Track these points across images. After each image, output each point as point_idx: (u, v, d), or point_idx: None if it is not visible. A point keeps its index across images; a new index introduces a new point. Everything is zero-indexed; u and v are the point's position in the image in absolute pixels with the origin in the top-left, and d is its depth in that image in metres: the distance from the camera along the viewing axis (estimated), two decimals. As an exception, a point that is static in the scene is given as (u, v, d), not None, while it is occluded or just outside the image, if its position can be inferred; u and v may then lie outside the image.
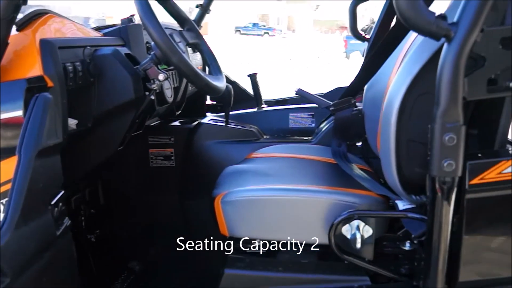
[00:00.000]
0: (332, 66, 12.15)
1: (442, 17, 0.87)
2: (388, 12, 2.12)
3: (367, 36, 2.52)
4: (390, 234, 1.18)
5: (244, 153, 1.71)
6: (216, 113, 2.34)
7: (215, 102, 2.38)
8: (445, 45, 0.88)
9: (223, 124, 1.81)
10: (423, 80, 1.03)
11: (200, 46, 1.51)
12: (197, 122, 1.88)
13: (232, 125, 1.84)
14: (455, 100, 0.88)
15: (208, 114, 2.37)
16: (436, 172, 0.90)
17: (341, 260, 1.18)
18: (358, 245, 1.08)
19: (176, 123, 1.96)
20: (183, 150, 1.84)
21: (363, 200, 1.16)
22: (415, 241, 1.08)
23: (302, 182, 1.30)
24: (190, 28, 1.51)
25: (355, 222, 1.09)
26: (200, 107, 2.30)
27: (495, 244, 0.98)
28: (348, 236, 1.10)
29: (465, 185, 0.93)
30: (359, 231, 1.09)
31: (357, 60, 10.50)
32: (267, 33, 34.14)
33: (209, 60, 1.50)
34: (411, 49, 1.31)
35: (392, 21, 2.12)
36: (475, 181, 0.93)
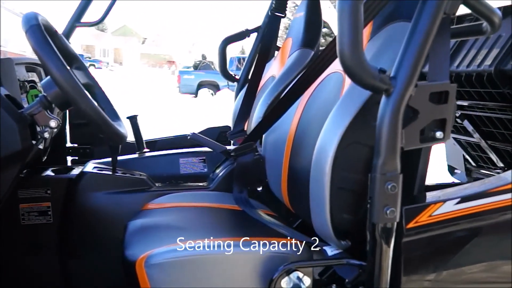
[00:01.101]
0: (171, 102, 12.15)
1: (383, 71, 0.92)
2: (260, 54, 2.20)
3: (237, 77, 2.59)
4: (318, 279, 1.17)
5: (136, 204, 1.55)
6: (79, 157, 2.13)
7: (76, 145, 2.16)
8: (384, 99, 0.93)
9: (110, 173, 1.63)
10: (353, 130, 1.07)
11: (92, 88, 1.35)
12: (79, 171, 1.66)
13: (119, 173, 1.67)
14: (393, 150, 0.93)
15: (68, 157, 2.14)
16: (377, 219, 0.93)
17: None
18: (304, 297, 1.05)
19: (49, 172, 1.71)
20: (62, 204, 1.61)
21: (292, 249, 1.14)
22: (348, 286, 1.10)
23: (221, 234, 1.23)
24: (79, 66, 1.34)
25: (295, 274, 1.06)
26: (60, 151, 2.06)
27: (431, 280, 1.04)
28: None
29: (402, 229, 0.98)
30: (300, 283, 1.06)
31: (204, 98, 10.69)
32: (93, 65, 32.80)
33: (104, 104, 1.35)
34: (318, 97, 1.37)
35: (265, 62, 2.21)
36: (411, 225, 0.99)
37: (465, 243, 1.04)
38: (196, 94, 15.77)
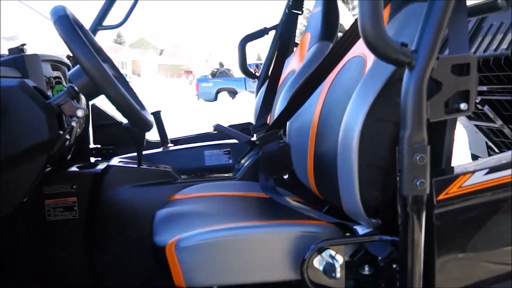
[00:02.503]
0: (191, 106, 12.21)
1: (405, 45, 0.93)
2: (279, 51, 2.23)
3: (257, 74, 2.61)
4: (350, 260, 1.18)
5: (163, 196, 1.57)
6: (102, 157, 2.16)
7: (99, 146, 2.20)
8: (407, 72, 0.94)
9: (136, 166, 1.66)
10: (377, 107, 1.08)
11: (118, 79, 1.38)
12: (105, 165, 1.70)
13: (145, 166, 1.70)
14: (420, 122, 0.93)
15: (92, 159, 2.17)
16: (407, 191, 0.94)
17: None
18: (337, 275, 1.05)
19: (74, 168, 1.75)
20: (88, 199, 1.64)
21: (323, 229, 1.15)
22: (381, 264, 1.10)
23: (249, 218, 1.25)
24: (105, 59, 1.38)
25: (327, 252, 1.06)
26: (83, 152, 2.10)
27: (465, 251, 1.04)
28: (321, 268, 1.06)
29: (433, 201, 0.98)
30: (334, 261, 1.06)
31: (225, 101, 10.74)
32: (112, 77, 33.15)
33: (130, 94, 1.38)
34: (341, 81, 1.38)
35: (284, 58, 2.24)
36: (441, 196, 0.99)
37: (496, 213, 1.04)
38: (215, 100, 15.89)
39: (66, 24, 1.07)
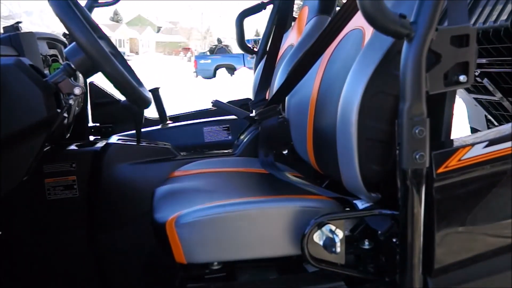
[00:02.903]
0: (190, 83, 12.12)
1: (403, 16, 0.92)
2: (278, 25, 2.20)
3: (255, 49, 2.59)
4: (350, 235, 1.19)
5: (163, 173, 1.57)
6: (101, 136, 2.16)
7: (97, 124, 2.19)
8: (406, 44, 0.93)
9: (135, 143, 1.65)
10: (377, 80, 1.07)
11: (115, 56, 1.36)
12: (104, 143, 1.69)
13: (144, 144, 1.69)
14: (419, 94, 0.93)
15: (91, 137, 2.17)
16: (407, 164, 0.93)
17: (304, 270, 1.16)
18: (337, 250, 1.05)
19: (73, 147, 1.75)
20: (88, 177, 1.64)
21: (323, 204, 1.15)
22: (381, 238, 1.10)
23: (249, 194, 1.25)
24: (102, 36, 1.36)
25: (327, 227, 1.07)
26: (82, 130, 2.10)
27: (464, 224, 1.05)
28: (321, 243, 1.07)
29: (432, 174, 0.98)
30: (334, 236, 1.06)
31: (223, 77, 10.65)
32: (110, 56, 32.92)
33: (128, 71, 1.37)
34: (339, 55, 1.37)
35: (282, 32, 2.21)
36: (441, 169, 0.99)
37: (496, 186, 1.04)
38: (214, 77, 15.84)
39: (61, 1, 1.05)
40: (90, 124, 2.17)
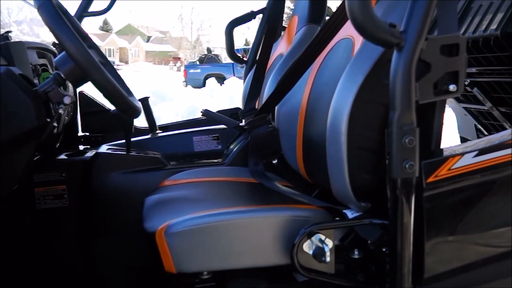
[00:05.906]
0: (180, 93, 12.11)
1: (393, 26, 0.92)
2: (268, 34, 2.20)
3: (245, 59, 2.59)
4: (339, 244, 1.18)
5: (153, 182, 1.57)
6: (91, 145, 2.14)
7: (87, 133, 2.18)
8: (395, 54, 0.93)
9: (124, 153, 1.64)
10: (366, 89, 1.07)
11: (105, 65, 1.35)
12: (93, 153, 1.68)
13: (134, 153, 1.68)
14: (409, 103, 0.93)
15: (80, 146, 2.16)
16: (397, 174, 0.93)
17: (294, 280, 1.15)
18: (327, 259, 1.05)
19: (63, 156, 1.73)
20: (78, 186, 1.62)
21: (313, 213, 1.15)
22: (371, 247, 1.10)
23: (239, 203, 1.24)
24: (91, 45, 1.35)
25: (317, 237, 1.06)
26: (72, 139, 2.08)
27: (454, 233, 1.04)
28: (310, 252, 1.06)
29: (422, 184, 0.98)
30: (324, 245, 1.06)
31: (213, 87, 10.64)
32: (99, 65, 32.80)
33: (117, 80, 1.36)
34: (329, 64, 1.37)
35: (272, 42, 2.21)
36: (431, 179, 0.99)
37: (486, 195, 1.04)
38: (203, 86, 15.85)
39: (50, 10, 1.04)
40: (80, 133, 2.16)
